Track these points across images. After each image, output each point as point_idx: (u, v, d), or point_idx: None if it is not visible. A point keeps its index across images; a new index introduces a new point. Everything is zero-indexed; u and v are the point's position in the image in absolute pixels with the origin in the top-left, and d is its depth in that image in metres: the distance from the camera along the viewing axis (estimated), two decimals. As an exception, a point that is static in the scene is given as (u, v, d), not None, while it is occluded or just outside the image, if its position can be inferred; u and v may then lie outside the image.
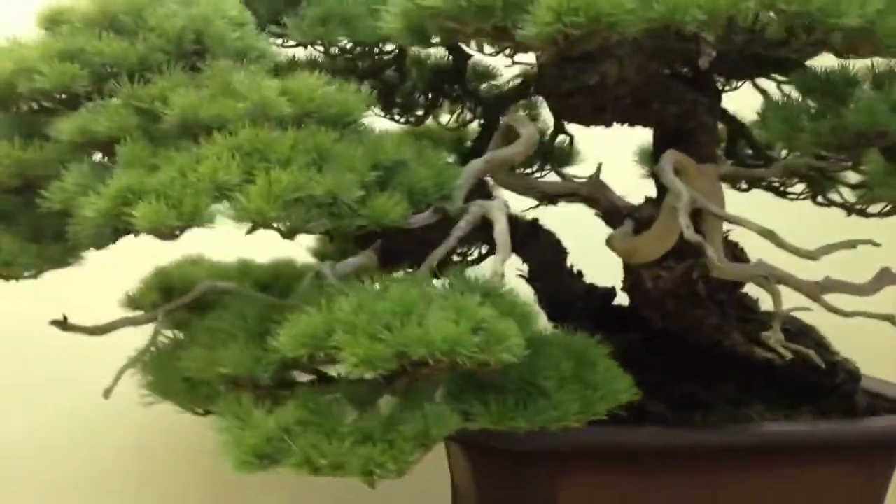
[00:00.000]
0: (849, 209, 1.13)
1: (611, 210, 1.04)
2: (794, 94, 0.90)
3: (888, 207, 1.08)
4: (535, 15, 0.58)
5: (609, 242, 1.00)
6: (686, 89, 1.00)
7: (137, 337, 0.82)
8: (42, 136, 0.76)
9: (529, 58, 0.96)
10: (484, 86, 1.09)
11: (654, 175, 1.06)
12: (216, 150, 0.70)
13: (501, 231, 0.75)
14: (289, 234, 0.70)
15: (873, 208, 1.09)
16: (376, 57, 0.91)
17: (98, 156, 0.76)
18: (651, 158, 1.09)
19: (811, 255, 0.81)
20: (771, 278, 0.93)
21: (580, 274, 1.13)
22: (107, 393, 0.79)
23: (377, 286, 0.67)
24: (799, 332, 1.09)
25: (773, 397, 1.04)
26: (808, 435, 1.03)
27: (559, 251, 1.12)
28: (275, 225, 0.69)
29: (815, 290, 0.93)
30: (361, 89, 0.78)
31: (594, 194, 1.05)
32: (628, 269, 1.05)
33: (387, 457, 0.62)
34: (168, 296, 1.10)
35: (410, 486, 1.27)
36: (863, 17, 0.58)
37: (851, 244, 0.81)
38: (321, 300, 0.66)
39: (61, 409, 1.41)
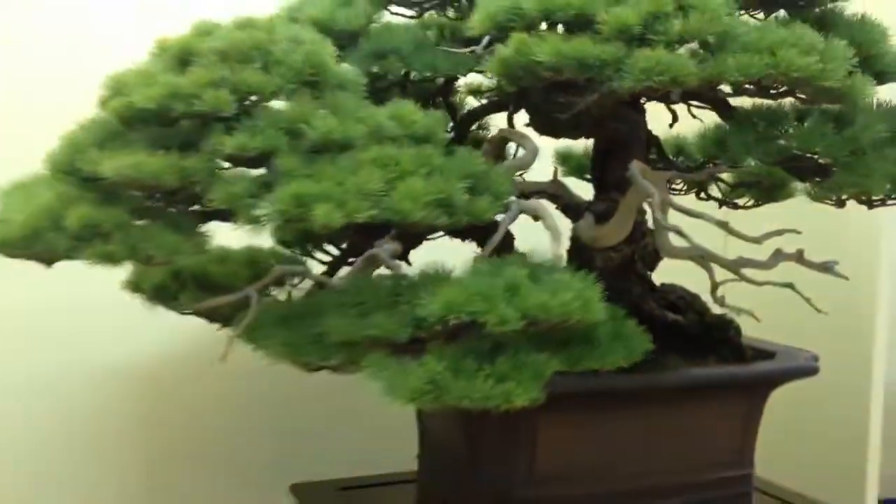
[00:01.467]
0: (723, 203, 1.48)
1: (570, 205, 1.31)
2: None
3: (751, 202, 1.46)
4: (632, 74, 0.83)
5: (575, 231, 1.26)
6: (629, 110, 1.28)
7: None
8: (193, 147, 0.92)
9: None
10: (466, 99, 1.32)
11: (596, 176, 1.35)
12: (359, 163, 0.90)
13: (553, 224, 1.00)
14: (419, 231, 0.91)
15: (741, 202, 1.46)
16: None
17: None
18: (593, 165, 1.37)
19: (756, 240, 1.12)
20: (706, 257, 1.23)
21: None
22: (223, 358, 0.98)
23: (503, 265, 0.90)
24: (685, 299, 1.43)
25: (683, 349, 1.35)
26: (710, 376, 1.34)
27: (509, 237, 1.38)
28: (409, 221, 0.90)
29: (734, 266, 1.24)
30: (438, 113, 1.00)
31: (557, 191, 1.31)
32: (579, 251, 1.33)
33: (521, 390, 0.86)
34: (178, 280, 1.27)
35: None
36: (840, 82, 0.87)
37: (779, 233, 1.12)
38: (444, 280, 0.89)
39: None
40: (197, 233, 0.94)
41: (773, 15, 1.07)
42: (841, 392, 1.68)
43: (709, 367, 1.33)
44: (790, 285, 1.22)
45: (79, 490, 1.56)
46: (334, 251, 1.31)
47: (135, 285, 1.30)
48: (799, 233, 1.12)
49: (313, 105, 0.94)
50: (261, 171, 0.92)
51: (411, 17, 1.19)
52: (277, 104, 0.95)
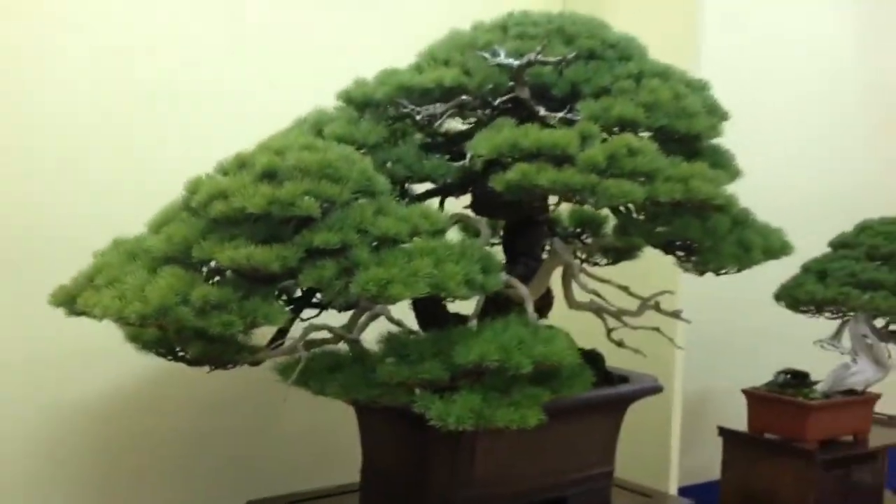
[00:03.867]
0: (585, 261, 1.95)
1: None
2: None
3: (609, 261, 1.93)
4: (605, 197, 1.24)
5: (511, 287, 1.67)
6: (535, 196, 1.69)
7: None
8: (283, 240, 1.23)
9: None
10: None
11: (508, 246, 1.76)
12: (410, 253, 1.25)
13: (525, 293, 1.39)
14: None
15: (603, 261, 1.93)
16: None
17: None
18: (505, 237, 1.76)
19: (644, 302, 1.57)
20: (600, 309, 1.67)
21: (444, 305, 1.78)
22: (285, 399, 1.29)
23: (507, 325, 1.28)
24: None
25: None
26: (592, 397, 1.70)
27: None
28: (452, 295, 1.26)
29: (618, 314, 1.69)
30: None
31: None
32: (497, 302, 1.72)
33: (531, 414, 1.24)
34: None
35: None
36: (724, 199, 1.33)
37: (661, 293, 1.59)
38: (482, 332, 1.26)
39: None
40: (282, 306, 1.25)
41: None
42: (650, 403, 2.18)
43: (596, 389, 1.77)
44: (657, 329, 1.69)
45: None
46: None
47: (133, 337, 1.55)
48: (672, 293, 1.59)
49: (371, 208, 1.28)
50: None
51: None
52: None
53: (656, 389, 1.84)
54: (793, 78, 3.08)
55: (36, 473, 1.74)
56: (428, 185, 1.60)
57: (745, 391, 2.54)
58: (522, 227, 1.71)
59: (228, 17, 1.86)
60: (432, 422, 1.23)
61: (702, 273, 1.56)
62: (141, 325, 1.21)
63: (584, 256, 1.90)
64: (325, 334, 1.41)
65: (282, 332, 1.50)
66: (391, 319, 1.40)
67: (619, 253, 1.89)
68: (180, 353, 1.44)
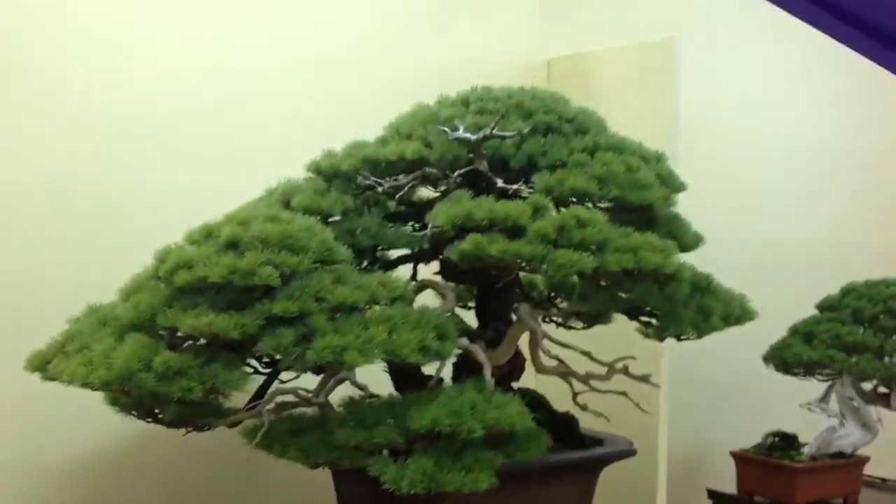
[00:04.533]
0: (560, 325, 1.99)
1: (464, 334, 1.75)
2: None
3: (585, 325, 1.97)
4: (553, 267, 1.30)
5: (468, 351, 1.71)
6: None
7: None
8: (242, 308, 1.29)
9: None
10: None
11: (479, 310, 1.81)
12: (366, 321, 1.30)
13: (483, 359, 1.44)
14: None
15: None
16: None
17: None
18: (477, 302, 1.81)
19: (611, 366, 1.61)
20: (567, 373, 1.71)
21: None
22: (248, 460, 1.33)
23: (462, 390, 1.32)
24: (538, 400, 1.91)
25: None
26: (564, 460, 1.76)
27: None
28: (406, 361, 1.31)
29: (585, 379, 1.73)
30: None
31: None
32: (468, 365, 1.76)
33: (483, 478, 1.28)
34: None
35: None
36: (673, 268, 1.38)
37: (624, 358, 1.63)
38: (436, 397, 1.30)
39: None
40: (244, 371, 1.31)
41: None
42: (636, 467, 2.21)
43: (564, 452, 1.81)
44: (624, 393, 1.73)
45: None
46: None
47: (112, 400, 1.60)
48: (635, 358, 1.63)
49: (329, 277, 1.33)
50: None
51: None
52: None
53: (629, 453, 1.86)
54: (774, 146, 3.19)
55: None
56: (404, 251, 1.66)
57: (733, 453, 2.56)
58: (491, 292, 1.76)
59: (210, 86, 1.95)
60: (386, 485, 1.27)
61: (661, 339, 1.60)
62: (105, 391, 1.26)
63: (559, 320, 1.95)
64: (292, 397, 1.46)
65: (260, 395, 1.55)
66: (354, 383, 1.45)
67: (594, 317, 1.93)
68: (159, 416, 1.49)
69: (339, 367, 1.26)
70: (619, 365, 1.72)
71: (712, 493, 2.60)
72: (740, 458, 2.54)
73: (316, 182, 1.55)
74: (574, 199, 1.45)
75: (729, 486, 2.57)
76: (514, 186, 1.45)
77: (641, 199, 1.47)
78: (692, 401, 2.40)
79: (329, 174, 1.55)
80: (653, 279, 1.49)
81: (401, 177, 1.50)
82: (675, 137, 2.17)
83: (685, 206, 1.67)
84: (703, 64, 2.73)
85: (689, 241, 1.64)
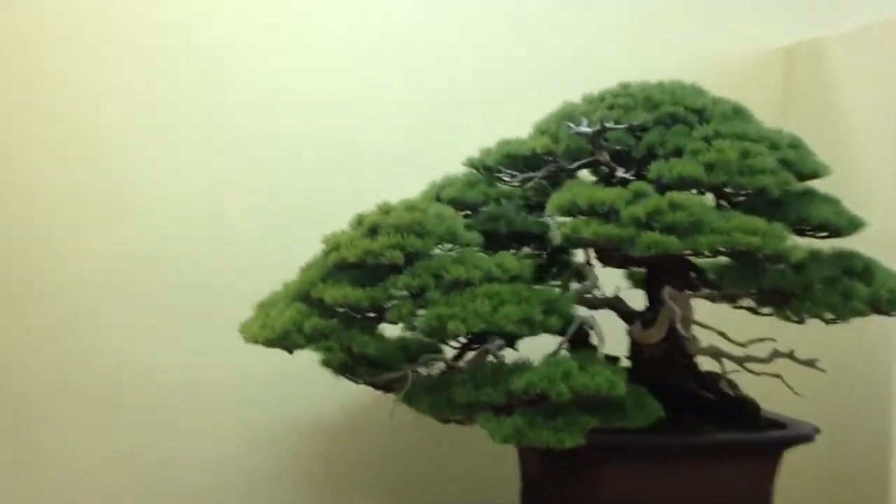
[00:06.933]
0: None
1: (626, 314, 1.88)
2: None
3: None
4: (639, 247, 1.41)
5: (630, 332, 1.83)
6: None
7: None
8: (376, 283, 1.54)
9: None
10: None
11: (648, 292, 1.91)
12: (476, 296, 1.50)
13: (599, 332, 1.57)
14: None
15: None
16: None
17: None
18: (643, 283, 1.92)
19: (742, 345, 1.67)
20: (717, 353, 1.78)
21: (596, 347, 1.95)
22: (391, 414, 1.58)
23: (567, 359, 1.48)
24: (717, 381, 1.95)
25: (715, 420, 1.76)
26: (732, 440, 1.76)
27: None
28: (505, 332, 1.49)
29: (739, 360, 1.79)
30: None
31: (617, 304, 1.88)
32: (634, 346, 1.89)
33: (568, 437, 1.43)
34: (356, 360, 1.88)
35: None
36: (775, 249, 1.43)
37: (766, 339, 1.67)
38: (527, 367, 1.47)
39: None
40: (377, 335, 1.56)
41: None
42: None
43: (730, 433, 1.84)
44: (779, 376, 1.76)
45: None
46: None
47: (327, 363, 1.91)
48: (774, 340, 1.67)
49: (450, 258, 1.55)
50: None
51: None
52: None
53: (807, 438, 1.86)
54: None
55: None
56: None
57: None
58: (656, 275, 1.86)
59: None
60: (490, 437, 1.46)
61: (801, 321, 1.62)
62: (270, 347, 1.58)
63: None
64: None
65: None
66: (493, 353, 1.64)
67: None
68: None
69: (444, 334, 1.47)
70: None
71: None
72: None
73: (469, 176, 1.77)
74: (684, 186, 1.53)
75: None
76: (626, 175, 1.57)
77: (755, 184, 1.52)
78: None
79: (480, 168, 1.76)
80: (784, 263, 1.54)
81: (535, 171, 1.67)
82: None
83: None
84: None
85: (838, 224, 1.65)
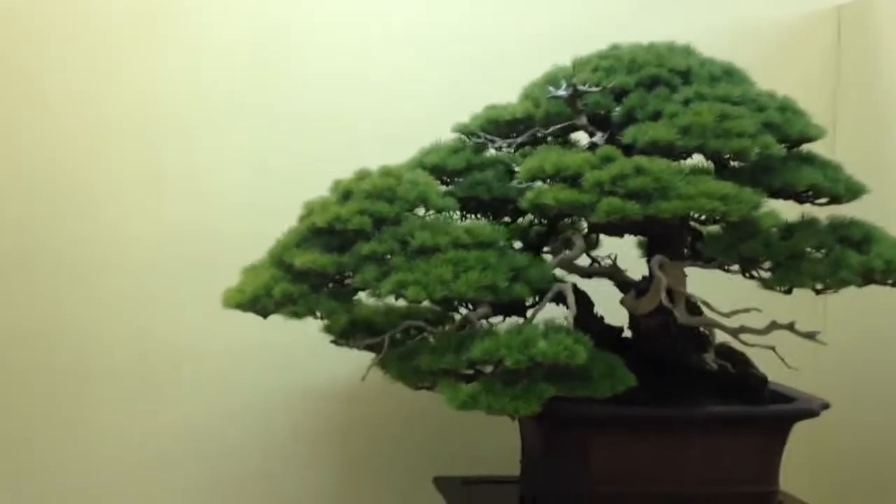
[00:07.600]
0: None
1: (623, 283, 1.83)
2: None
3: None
4: (598, 213, 1.38)
5: (622, 302, 1.78)
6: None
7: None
8: (344, 248, 1.54)
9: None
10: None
11: (648, 261, 1.86)
12: (441, 262, 1.48)
13: (571, 302, 1.54)
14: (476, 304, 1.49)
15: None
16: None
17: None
18: (645, 251, 1.87)
19: (725, 315, 1.60)
20: (709, 324, 1.72)
21: (601, 318, 1.92)
22: (363, 378, 1.59)
23: (529, 327, 1.45)
24: (727, 354, 1.89)
25: (714, 392, 1.73)
26: (731, 413, 1.71)
27: (589, 304, 1.91)
28: (465, 299, 1.47)
29: (733, 331, 1.72)
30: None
31: (614, 274, 1.83)
32: (631, 317, 1.84)
33: (524, 405, 1.40)
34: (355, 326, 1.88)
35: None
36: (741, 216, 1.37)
37: (750, 309, 1.60)
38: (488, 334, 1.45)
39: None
40: (347, 300, 1.56)
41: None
42: None
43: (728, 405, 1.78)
44: (772, 348, 1.68)
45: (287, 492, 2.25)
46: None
47: (328, 329, 1.93)
48: (759, 310, 1.60)
49: (417, 224, 1.54)
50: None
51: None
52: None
53: (811, 413, 1.79)
54: None
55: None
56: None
57: None
58: (657, 244, 1.81)
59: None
60: (447, 403, 1.45)
61: (788, 291, 1.55)
62: (241, 310, 1.60)
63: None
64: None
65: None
66: (473, 322, 1.62)
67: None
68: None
69: (405, 300, 1.46)
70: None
71: None
72: None
73: (457, 143, 1.75)
74: (657, 150, 1.48)
75: None
76: (599, 140, 1.52)
77: (731, 148, 1.46)
78: None
79: (465, 134, 1.74)
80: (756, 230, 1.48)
81: (513, 136, 1.64)
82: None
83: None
84: None
85: (833, 190, 1.57)
